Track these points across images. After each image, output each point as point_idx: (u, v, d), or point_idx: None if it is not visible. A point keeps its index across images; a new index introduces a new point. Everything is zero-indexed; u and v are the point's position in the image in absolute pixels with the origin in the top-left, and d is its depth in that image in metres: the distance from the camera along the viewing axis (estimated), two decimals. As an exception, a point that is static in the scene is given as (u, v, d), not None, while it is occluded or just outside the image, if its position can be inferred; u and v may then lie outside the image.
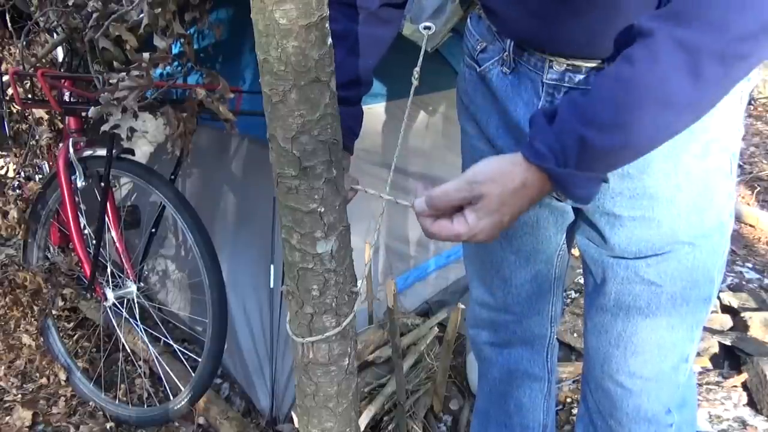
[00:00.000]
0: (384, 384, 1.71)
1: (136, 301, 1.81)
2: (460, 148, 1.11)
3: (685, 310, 0.95)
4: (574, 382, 1.94)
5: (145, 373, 2.01)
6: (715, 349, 2.05)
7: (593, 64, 0.79)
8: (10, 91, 1.80)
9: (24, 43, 1.76)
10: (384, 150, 2.03)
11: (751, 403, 1.86)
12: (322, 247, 0.74)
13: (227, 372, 2.01)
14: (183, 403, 1.77)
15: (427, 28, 0.96)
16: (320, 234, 0.73)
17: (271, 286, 1.83)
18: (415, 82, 0.92)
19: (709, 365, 2.02)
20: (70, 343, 2.14)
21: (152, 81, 1.38)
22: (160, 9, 1.36)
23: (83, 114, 1.70)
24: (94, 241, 1.75)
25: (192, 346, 2.05)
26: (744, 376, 1.93)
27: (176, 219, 1.69)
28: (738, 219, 2.97)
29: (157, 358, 1.92)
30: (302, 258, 0.75)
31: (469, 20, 0.99)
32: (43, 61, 1.91)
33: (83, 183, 1.75)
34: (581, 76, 0.80)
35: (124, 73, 1.36)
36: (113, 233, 1.74)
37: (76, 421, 1.93)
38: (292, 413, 1.75)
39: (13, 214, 1.95)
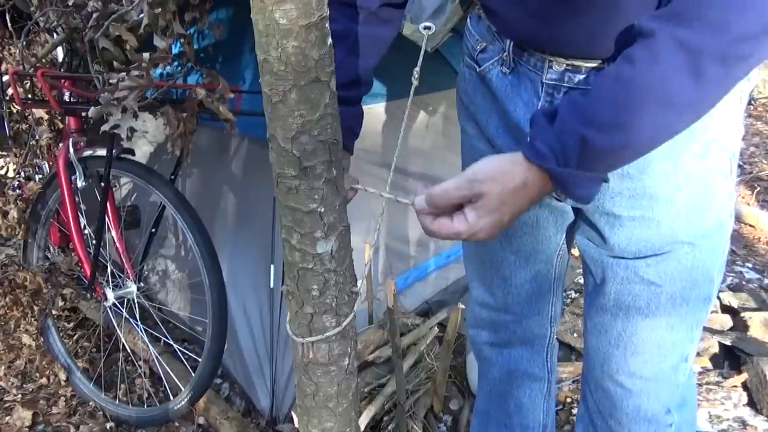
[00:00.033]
0: (384, 384, 1.72)
1: (136, 301, 1.81)
2: (460, 148, 1.11)
3: (685, 310, 0.95)
4: (574, 382, 1.94)
5: (145, 373, 2.01)
6: (715, 349, 2.05)
7: (593, 64, 0.79)
8: (10, 91, 1.80)
9: (24, 43, 1.77)
10: (384, 150, 2.03)
11: (751, 403, 1.86)
12: (322, 247, 0.74)
13: (227, 372, 2.01)
14: (183, 403, 1.77)
15: (427, 28, 0.97)
16: (320, 234, 0.73)
17: (271, 286, 1.83)
18: (415, 82, 0.92)
19: (709, 365, 2.02)
20: (70, 343, 2.14)
21: (152, 81, 1.38)
22: (160, 9, 1.36)
23: (83, 114, 1.70)
24: (94, 241, 1.75)
25: (192, 346, 2.05)
26: (744, 376, 1.93)
27: (176, 219, 1.69)
28: (738, 219, 2.97)
29: (157, 358, 1.92)
30: (302, 258, 0.75)
31: (468, 20, 0.99)
32: (43, 61, 1.91)
33: (83, 183, 1.75)
34: (581, 76, 0.80)
35: (124, 73, 1.36)
36: (113, 233, 1.74)
37: (76, 421, 1.93)
38: (292, 413, 1.75)
39: (13, 214, 1.95)
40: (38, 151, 2.08)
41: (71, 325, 2.26)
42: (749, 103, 4.46)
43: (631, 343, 0.99)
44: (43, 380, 2.05)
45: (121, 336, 1.93)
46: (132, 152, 1.73)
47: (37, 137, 2.04)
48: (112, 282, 1.80)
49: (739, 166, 3.45)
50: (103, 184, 1.69)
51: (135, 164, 1.74)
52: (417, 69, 0.91)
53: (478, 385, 1.37)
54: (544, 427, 1.32)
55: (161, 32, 1.39)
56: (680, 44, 0.62)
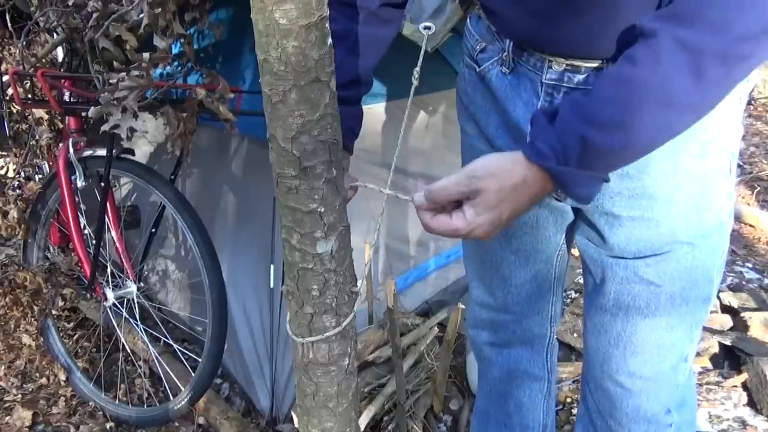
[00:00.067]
0: (384, 384, 1.72)
1: (136, 301, 1.81)
2: (459, 148, 1.11)
3: (685, 310, 0.95)
4: (574, 382, 1.94)
5: (145, 373, 2.01)
6: (715, 349, 2.05)
7: (592, 64, 0.79)
8: (10, 91, 1.80)
9: (24, 43, 1.77)
10: (384, 150, 2.03)
11: (751, 403, 1.86)
12: (322, 247, 0.74)
13: (227, 372, 2.01)
14: (183, 403, 1.77)
15: (427, 28, 0.97)
16: (320, 234, 0.73)
17: (271, 286, 1.83)
18: (415, 82, 0.92)
19: (709, 365, 2.02)
20: (70, 343, 2.14)
21: (152, 81, 1.38)
22: (160, 9, 1.36)
23: (83, 114, 1.70)
24: (94, 241, 1.75)
25: (192, 346, 2.05)
26: (744, 376, 1.93)
27: (176, 219, 1.69)
28: (738, 219, 2.97)
29: (157, 358, 1.92)
30: (302, 258, 0.75)
31: (468, 20, 0.99)
32: (43, 61, 1.91)
33: (83, 183, 1.75)
34: (580, 76, 0.80)
35: (124, 73, 1.36)
36: (113, 233, 1.74)
37: (76, 421, 1.93)
38: (292, 413, 1.75)
39: (13, 214, 1.95)
40: (38, 151, 2.08)
41: (71, 325, 2.26)
42: (749, 103, 4.47)
43: (630, 343, 0.99)
44: (43, 380, 2.06)
45: (121, 336, 1.93)
46: (132, 152, 1.73)
47: (37, 137, 2.04)
48: (112, 282, 1.80)
49: (739, 166, 3.46)
50: (103, 184, 1.69)
51: (135, 164, 1.74)
52: (417, 69, 0.91)
53: (478, 385, 1.37)
54: (544, 427, 1.32)
55: (161, 32, 1.39)
56: (681, 44, 0.62)
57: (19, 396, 2.00)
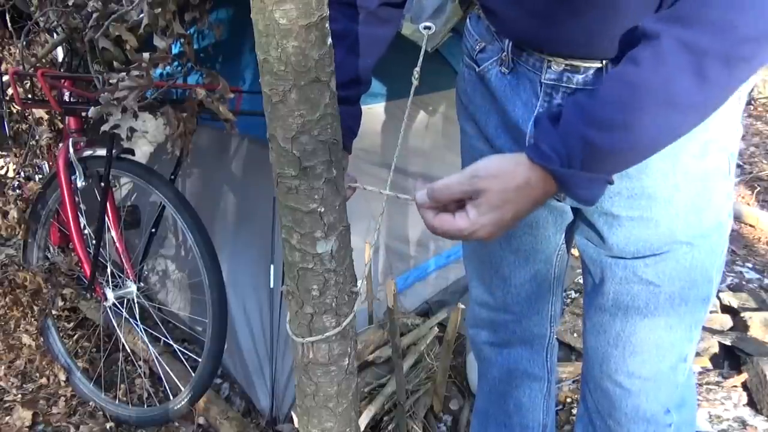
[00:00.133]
0: (384, 384, 1.72)
1: (136, 301, 1.81)
2: (459, 148, 1.11)
3: (684, 310, 0.95)
4: (574, 382, 1.94)
5: (145, 373, 2.01)
6: (715, 349, 2.05)
7: (591, 64, 0.79)
8: (10, 91, 1.80)
9: (24, 43, 1.77)
10: (383, 150, 2.03)
11: (751, 403, 1.86)
12: (322, 247, 0.74)
13: (227, 372, 2.01)
14: (183, 403, 1.77)
15: (427, 28, 0.97)
16: (320, 234, 0.73)
17: (271, 286, 1.83)
18: (415, 82, 0.92)
19: (709, 365, 2.02)
20: (70, 343, 2.14)
21: (152, 81, 1.38)
22: (160, 9, 1.36)
23: (83, 114, 1.70)
24: (94, 241, 1.75)
25: (192, 346, 2.05)
26: (744, 376, 1.93)
27: (176, 219, 1.69)
28: (738, 219, 2.97)
29: (157, 358, 1.92)
30: (302, 258, 0.75)
31: (468, 20, 0.99)
32: (43, 61, 1.91)
33: (83, 183, 1.75)
34: (579, 77, 0.81)
35: (124, 73, 1.36)
36: (113, 233, 1.75)
37: (76, 421, 1.93)
38: (292, 413, 1.75)
39: (13, 214, 1.95)
40: (38, 151, 2.08)
41: (71, 325, 2.26)
42: (749, 103, 4.47)
43: (629, 343, 0.99)
44: (43, 380, 2.06)
45: (121, 336, 1.93)
46: (132, 152, 1.73)
47: (37, 137, 2.04)
48: (112, 282, 1.80)
49: (739, 166, 3.47)
50: (103, 184, 1.69)
51: (135, 164, 1.74)
52: (417, 69, 0.91)
53: (478, 385, 1.37)
54: (543, 426, 1.32)
55: (161, 32, 1.39)
56: (684, 46, 0.63)
57: (19, 396, 2.00)
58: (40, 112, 2.02)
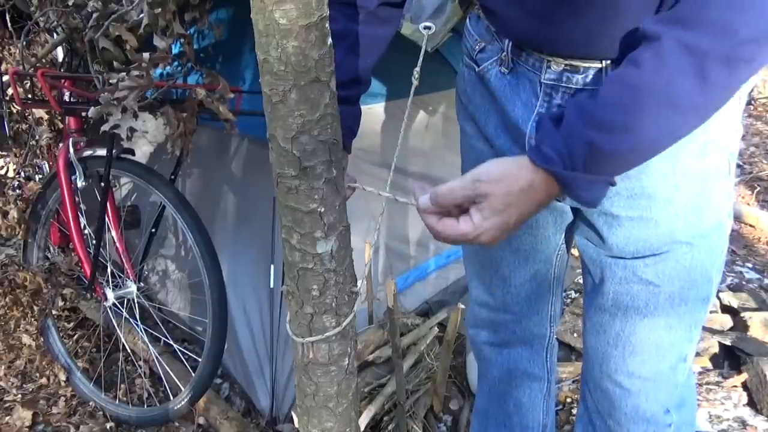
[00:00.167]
0: (384, 384, 1.72)
1: (136, 301, 1.81)
2: (459, 148, 1.11)
3: (684, 310, 0.95)
4: (574, 382, 1.94)
5: (145, 373, 2.01)
6: (715, 349, 2.05)
7: (591, 65, 0.79)
8: (10, 91, 1.80)
9: (24, 43, 1.77)
10: (383, 150, 2.03)
11: (751, 403, 1.86)
12: (322, 247, 0.74)
13: (227, 372, 2.01)
14: (183, 403, 1.77)
15: (427, 27, 0.97)
16: (320, 234, 0.73)
17: (271, 286, 1.83)
18: (415, 82, 0.92)
19: (709, 365, 2.02)
20: (70, 343, 2.14)
21: (152, 81, 1.38)
22: (160, 9, 1.36)
23: (83, 114, 1.70)
24: (94, 241, 1.75)
25: (192, 346, 2.05)
26: (744, 376, 1.93)
27: (176, 219, 1.69)
28: (738, 219, 2.97)
29: (157, 358, 1.92)
30: (302, 258, 0.75)
31: (468, 20, 0.99)
32: (43, 61, 1.91)
33: (83, 183, 1.75)
34: (579, 77, 0.81)
35: (124, 73, 1.36)
36: (113, 233, 1.75)
37: (76, 421, 1.93)
38: (292, 413, 1.75)
39: (13, 214, 1.95)
40: (38, 151, 2.08)
41: (71, 325, 2.26)
42: (749, 103, 4.47)
43: (629, 343, 0.99)
44: (43, 380, 2.06)
45: (121, 336, 1.93)
46: (132, 152, 1.73)
47: (37, 137, 2.04)
48: (112, 282, 1.80)
49: (739, 166, 3.47)
50: (103, 184, 1.69)
51: (135, 164, 1.74)
52: (417, 69, 0.91)
53: (478, 385, 1.37)
54: (543, 426, 1.32)
55: (161, 32, 1.39)
56: (686, 47, 0.63)
57: (19, 396, 2.00)
58: (40, 112, 2.02)
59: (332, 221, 0.73)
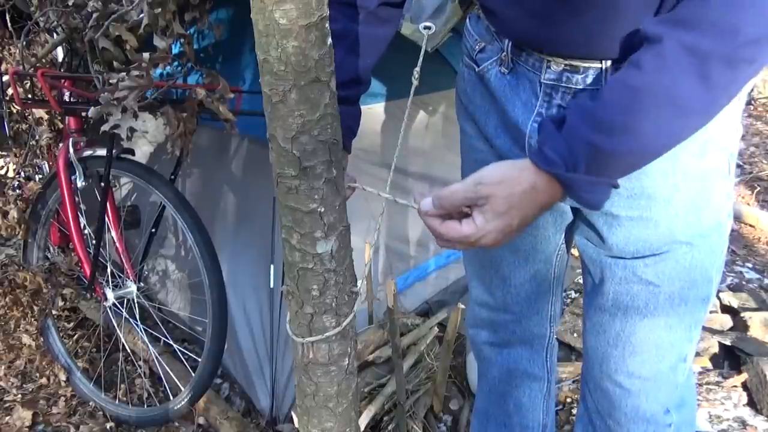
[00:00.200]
0: (384, 384, 1.72)
1: (136, 301, 1.81)
2: (459, 148, 1.11)
3: (683, 310, 0.95)
4: (574, 382, 1.94)
5: (145, 373, 2.01)
6: (715, 349, 2.05)
7: (591, 65, 0.79)
8: (10, 91, 1.80)
9: (24, 43, 1.77)
10: (383, 150, 2.03)
11: (751, 403, 1.86)
12: (322, 247, 0.74)
13: (227, 372, 2.01)
14: (183, 403, 1.77)
15: (427, 27, 0.97)
16: (320, 234, 0.73)
17: (271, 286, 1.83)
18: (415, 82, 0.92)
19: (709, 365, 2.02)
20: (70, 343, 2.14)
21: (152, 81, 1.38)
22: (160, 9, 1.36)
23: (83, 114, 1.70)
24: (94, 241, 1.75)
25: (192, 346, 2.05)
26: (744, 376, 1.93)
27: (176, 219, 1.69)
28: (738, 219, 2.97)
29: (157, 358, 1.92)
30: (302, 258, 0.75)
31: (468, 20, 0.99)
32: (43, 61, 1.91)
33: (83, 183, 1.75)
34: (579, 77, 0.81)
35: (124, 73, 1.36)
36: (113, 233, 1.75)
37: (76, 421, 1.93)
38: (292, 413, 1.75)
39: (13, 214, 1.95)
40: (38, 151, 2.08)
41: (71, 325, 2.26)
42: (749, 103, 4.47)
43: (629, 343, 0.99)
44: (43, 380, 2.06)
45: (121, 336, 1.93)
46: (132, 152, 1.73)
47: (37, 137, 2.04)
48: (112, 282, 1.80)
49: (739, 166, 3.47)
50: (103, 184, 1.69)
51: (135, 164, 1.74)
52: (417, 69, 0.91)
53: (478, 385, 1.37)
54: (543, 426, 1.32)
55: (161, 32, 1.39)
56: (688, 48, 0.63)
57: (19, 396, 2.00)
58: (40, 112, 2.02)
59: (332, 221, 0.73)
